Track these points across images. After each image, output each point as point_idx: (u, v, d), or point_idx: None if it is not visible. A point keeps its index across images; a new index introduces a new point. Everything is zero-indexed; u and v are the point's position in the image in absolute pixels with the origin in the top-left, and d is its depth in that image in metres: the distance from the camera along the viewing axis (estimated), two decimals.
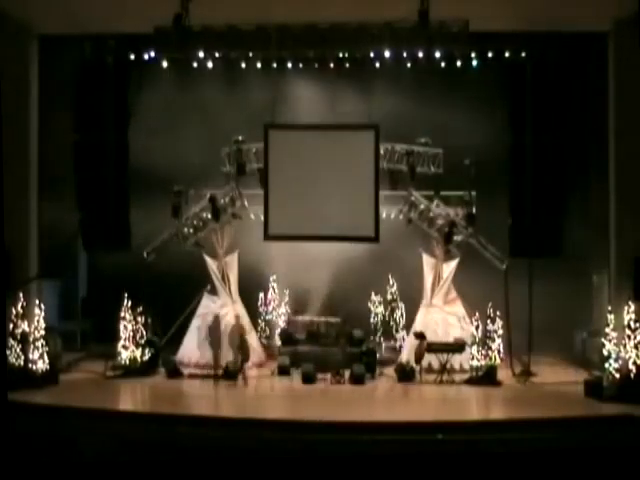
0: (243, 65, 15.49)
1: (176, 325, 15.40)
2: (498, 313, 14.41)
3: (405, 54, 14.70)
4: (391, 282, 16.22)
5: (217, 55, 15.10)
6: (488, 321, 14.40)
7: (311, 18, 13.66)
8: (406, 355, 15.10)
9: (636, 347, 12.89)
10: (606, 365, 13.13)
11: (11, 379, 12.08)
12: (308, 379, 14.17)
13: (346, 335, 15.52)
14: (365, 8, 12.96)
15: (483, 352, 14.30)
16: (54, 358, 14.03)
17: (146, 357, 14.85)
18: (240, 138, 15.61)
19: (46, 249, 15.19)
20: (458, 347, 14.49)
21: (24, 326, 13.69)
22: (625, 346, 12.98)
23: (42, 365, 13.78)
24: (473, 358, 14.38)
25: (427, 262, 15.63)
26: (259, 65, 15.49)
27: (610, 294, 14.12)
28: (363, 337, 15.47)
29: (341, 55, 15.04)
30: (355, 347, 15.10)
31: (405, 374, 14.43)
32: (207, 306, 15.71)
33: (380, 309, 16.20)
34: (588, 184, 14.63)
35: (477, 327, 14.44)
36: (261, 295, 16.54)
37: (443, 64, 15.10)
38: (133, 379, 14.36)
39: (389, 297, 16.26)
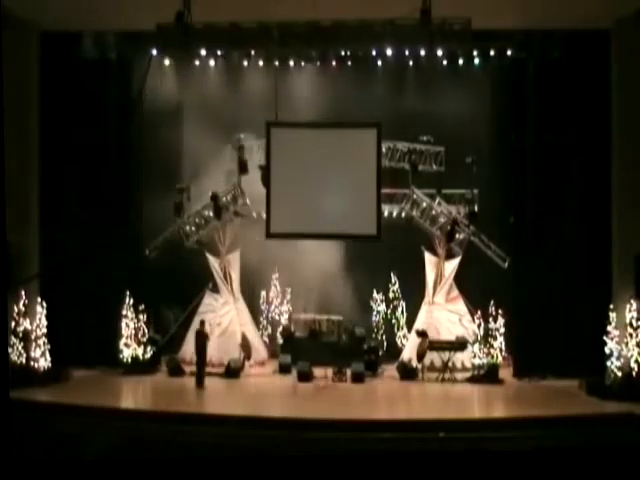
0: (245, 63, 15.53)
1: (178, 323, 15.41)
2: (500, 311, 14.39)
3: (407, 52, 14.73)
4: (393, 280, 16.22)
5: (219, 53, 15.14)
6: (490, 319, 14.39)
7: (313, 16, 13.63)
8: (408, 353, 15.11)
9: (638, 345, 12.91)
10: (608, 363, 13.15)
11: (13, 377, 12.11)
12: (304, 377, 14.17)
13: (348, 333, 15.55)
14: (367, 6, 12.93)
15: (485, 350, 14.31)
16: None
17: (148, 355, 14.88)
18: (242, 136, 15.61)
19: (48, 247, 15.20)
20: (460, 345, 14.50)
21: (26, 324, 13.72)
22: (627, 344, 13.00)
23: (44, 363, 13.83)
24: (475, 356, 14.39)
25: (429, 260, 15.63)
26: (261, 63, 15.53)
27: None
28: (365, 335, 15.48)
29: (343, 53, 15.05)
30: (357, 345, 15.12)
31: (407, 372, 14.44)
32: (209, 304, 15.74)
33: (382, 307, 16.19)
34: (590, 182, 14.60)
35: (479, 325, 14.45)
36: (263, 293, 16.53)
37: (445, 62, 15.14)
38: (135, 377, 14.39)
39: (391, 295, 16.25)
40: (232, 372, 14.42)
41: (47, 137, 15.24)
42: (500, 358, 14.37)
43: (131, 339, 14.77)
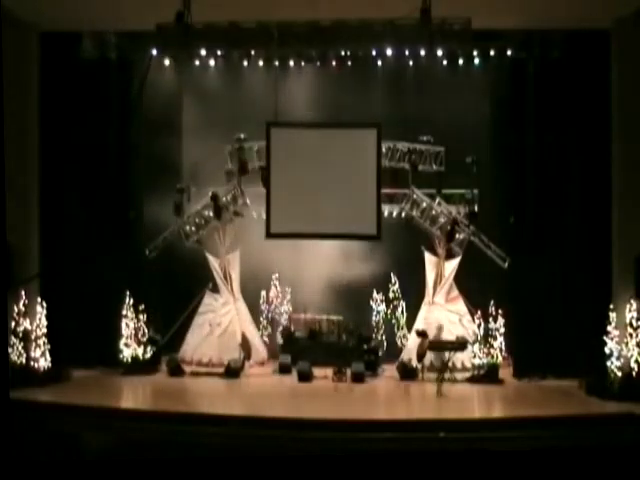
0: (245, 63, 15.53)
1: (178, 323, 15.41)
2: (500, 311, 14.39)
3: (407, 52, 14.73)
4: (393, 280, 16.21)
5: (219, 53, 15.14)
6: (490, 319, 14.38)
7: (313, 16, 13.64)
8: (408, 353, 15.11)
9: (638, 345, 12.90)
10: (608, 363, 13.15)
11: (13, 377, 12.12)
12: (304, 377, 14.17)
13: (348, 333, 15.56)
14: (367, 6, 12.94)
15: (485, 350, 14.31)
16: None
17: (148, 355, 14.87)
18: (242, 136, 15.61)
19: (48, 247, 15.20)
20: (460, 345, 14.49)
21: (26, 324, 13.72)
22: (627, 344, 13.00)
23: (44, 363, 13.83)
24: (475, 356, 14.39)
25: (429, 260, 15.62)
26: (261, 63, 15.54)
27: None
28: (367, 335, 15.48)
29: (343, 53, 15.06)
30: (358, 345, 15.13)
31: (407, 372, 14.44)
32: (209, 304, 15.74)
33: (382, 307, 16.18)
34: (591, 182, 14.61)
35: (479, 325, 14.45)
36: (263, 293, 16.52)
37: (445, 62, 15.15)
38: (135, 377, 14.38)
39: (391, 295, 16.24)
40: (232, 372, 14.42)
41: (47, 137, 15.23)
42: (500, 358, 14.36)
43: (131, 339, 14.76)
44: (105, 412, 11.47)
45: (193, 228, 15.90)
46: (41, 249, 15.10)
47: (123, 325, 14.74)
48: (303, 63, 15.52)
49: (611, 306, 13.40)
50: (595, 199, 14.54)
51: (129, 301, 14.79)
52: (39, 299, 14.17)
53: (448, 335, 14.85)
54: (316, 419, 11.09)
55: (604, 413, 11.77)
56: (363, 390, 13.77)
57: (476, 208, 15.20)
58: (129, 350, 14.74)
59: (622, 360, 13.04)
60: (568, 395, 13.04)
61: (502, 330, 14.36)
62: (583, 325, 14.21)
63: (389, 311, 16.19)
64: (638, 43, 13.52)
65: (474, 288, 15.18)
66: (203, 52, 14.90)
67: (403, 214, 15.85)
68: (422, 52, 14.63)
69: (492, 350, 14.28)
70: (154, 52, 15.00)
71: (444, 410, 12.37)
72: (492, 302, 14.38)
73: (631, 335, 12.92)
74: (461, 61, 15.20)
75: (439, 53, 14.74)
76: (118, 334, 14.73)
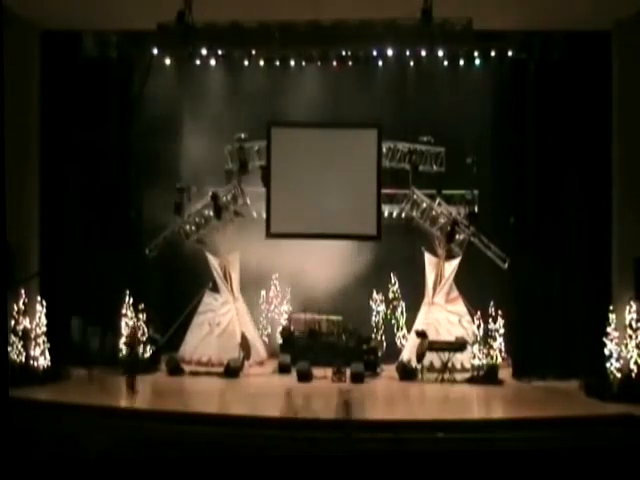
0: (246, 62, 15.53)
1: (177, 322, 15.41)
2: (499, 312, 14.39)
3: (408, 52, 14.74)
4: (393, 280, 16.20)
5: (220, 52, 15.14)
6: (490, 320, 14.38)
7: (314, 16, 13.64)
8: (407, 354, 15.11)
9: (637, 347, 12.91)
10: (607, 365, 13.15)
11: (12, 376, 12.12)
12: (303, 377, 14.17)
13: (348, 333, 15.57)
14: (368, 6, 12.94)
15: (484, 351, 14.30)
16: None
17: (147, 354, 14.87)
18: (242, 136, 15.62)
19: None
20: (459, 346, 14.50)
21: (25, 322, 13.72)
22: (626, 346, 13.00)
23: (43, 362, 13.83)
24: (474, 357, 14.39)
25: (429, 261, 15.63)
26: (262, 63, 15.54)
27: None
28: (367, 336, 15.48)
29: (344, 53, 15.08)
30: (358, 345, 15.13)
31: (406, 373, 14.44)
32: (209, 304, 15.75)
33: (382, 307, 16.18)
34: (591, 183, 14.61)
35: (478, 326, 14.45)
36: (263, 293, 16.52)
37: (446, 62, 15.16)
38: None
39: (391, 295, 16.24)
40: (231, 372, 14.42)
41: (47, 137, 15.23)
42: (500, 359, 14.36)
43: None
44: (105, 411, 11.46)
45: (193, 227, 15.92)
46: (41, 249, 15.09)
47: (123, 325, 14.74)
48: (304, 63, 15.53)
49: (611, 307, 13.40)
50: (595, 200, 14.54)
51: (129, 301, 14.79)
52: (39, 298, 14.18)
53: (448, 336, 14.86)
54: (316, 419, 11.07)
55: (604, 414, 11.76)
56: (363, 390, 13.77)
57: (476, 209, 15.23)
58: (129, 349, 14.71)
59: (622, 361, 13.05)
60: (568, 396, 13.03)
61: (502, 331, 14.36)
62: (583, 326, 14.23)
63: (389, 311, 16.19)
64: (638, 45, 13.52)
65: (474, 288, 15.19)
66: (204, 52, 14.90)
67: (403, 214, 15.86)
68: (423, 52, 14.64)
69: (492, 351, 14.27)
70: (155, 51, 15.01)
71: (444, 410, 12.36)
72: (492, 303, 14.39)
73: (630, 337, 12.93)
74: (462, 62, 15.21)
75: (440, 53, 14.74)
76: (118, 334, 14.72)
